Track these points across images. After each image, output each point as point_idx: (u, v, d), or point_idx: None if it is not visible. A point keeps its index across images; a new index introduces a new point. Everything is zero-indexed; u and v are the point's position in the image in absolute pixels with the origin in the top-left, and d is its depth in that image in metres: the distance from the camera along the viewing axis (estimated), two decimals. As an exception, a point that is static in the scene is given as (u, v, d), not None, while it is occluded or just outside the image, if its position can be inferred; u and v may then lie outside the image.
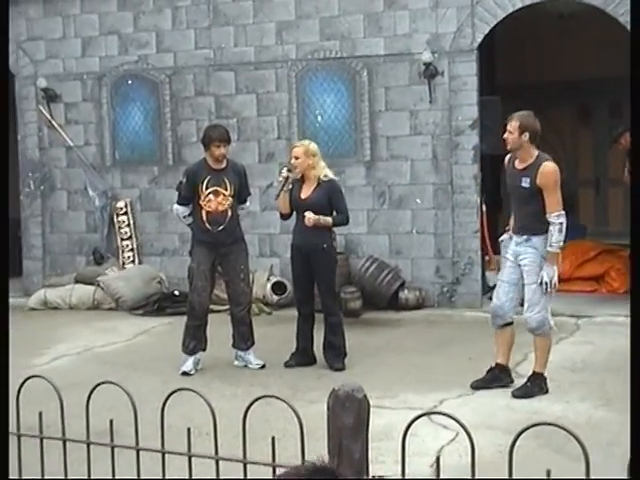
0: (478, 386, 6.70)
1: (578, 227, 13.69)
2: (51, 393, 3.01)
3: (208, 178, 7.49)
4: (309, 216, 7.29)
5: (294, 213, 7.57)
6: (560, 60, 13.11)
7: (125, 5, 11.24)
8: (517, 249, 6.59)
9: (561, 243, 6.44)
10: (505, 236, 6.84)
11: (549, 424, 2.47)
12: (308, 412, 5.31)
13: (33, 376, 3.09)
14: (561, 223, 6.37)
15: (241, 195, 7.73)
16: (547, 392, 6.58)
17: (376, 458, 4.78)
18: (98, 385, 2.90)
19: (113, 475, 2.98)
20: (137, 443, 2.88)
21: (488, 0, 9.75)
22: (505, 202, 13.09)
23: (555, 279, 6.43)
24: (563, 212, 6.42)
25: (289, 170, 7.40)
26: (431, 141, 10.10)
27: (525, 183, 6.50)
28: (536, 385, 6.59)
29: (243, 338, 7.73)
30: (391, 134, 10.27)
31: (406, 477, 2.59)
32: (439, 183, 10.11)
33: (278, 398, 2.67)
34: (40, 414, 3.05)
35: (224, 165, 7.57)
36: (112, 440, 2.92)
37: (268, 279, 10.39)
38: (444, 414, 2.66)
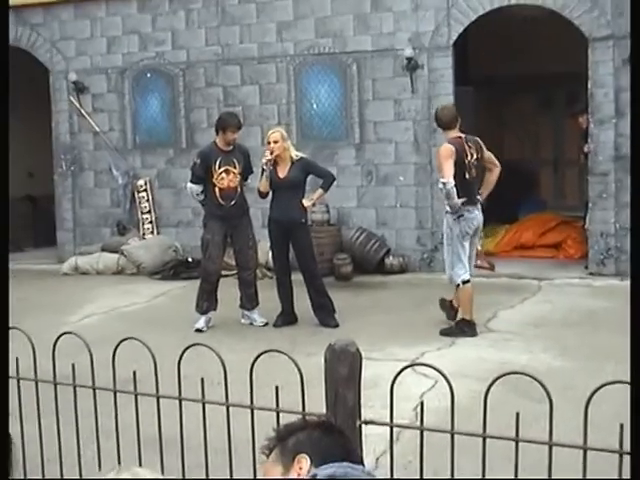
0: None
1: (539, 201, 13.69)
2: (82, 347, 2.98)
3: (220, 159, 7.42)
4: (308, 204, 7.37)
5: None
6: (524, 56, 13.01)
7: (144, 8, 11.12)
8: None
9: (447, 202, 6.84)
10: None
11: (519, 373, 2.45)
12: (306, 363, 5.27)
13: (67, 332, 3.06)
14: (440, 188, 6.86)
15: (245, 173, 7.66)
16: (474, 335, 6.89)
17: (366, 403, 4.75)
18: (123, 340, 2.87)
19: (137, 419, 2.96)
20: (157, 391, 2.85)
21: (462, 3, 9.66)
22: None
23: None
24: (443, 179, 6.75)
25: (271, 153, 7.35)
26: (413, 126, 10.03)
27: None
28: (458, 328, 6.96)
29: (249, 299, 7.70)
30: (378, 120, 10.19)
31: (394, 420, 2.56)
32: (420, 163, 10.05)
33: (281, 352, 2.64)
34: (73, 365, 3.02)
35: (232, 147, 7.51)
36: (135, 389, 2.89)
37: (270, 247, 10.33)
38: (428, 365, 2.64)
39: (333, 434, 1.96)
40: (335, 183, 7.77)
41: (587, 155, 9.60)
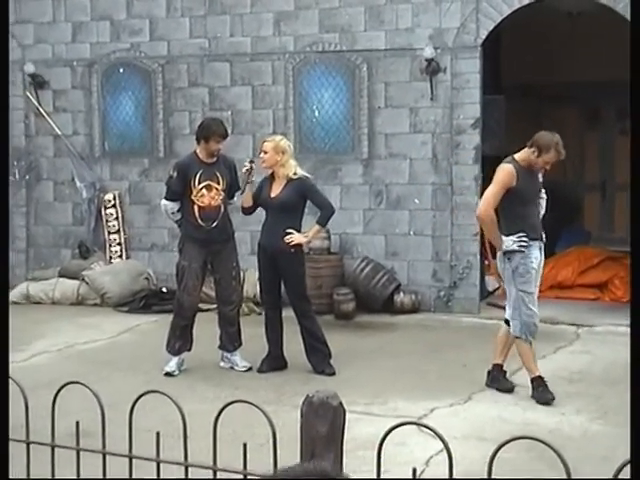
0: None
1: (582, 232, 13.70)
2: (25, 392, 2.98)
3: (200, 172, 7.46)
4: (302, 240, 7.38)
5: (257, 208, 7.67)
6: (567, 60, 13.08)
7: (118, -10, 11.22)
8: (542, 254, 6.85)
9: None
10: (520, 244, 6.68)
11: (533, 438, 2.44)
12: (292, 417, 5.30)
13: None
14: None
15: (231, 190, 7.69)
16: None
17: (359, 467, 4.76)
18: (65, 385, 2.87)
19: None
20: (104, 446, 2.85)
21: (494, -5, 9.74)
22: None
23: None
24: None
25: (251, 161, 7.43)
26: (431, 140, 10.08)
27: (541, 179, 6.86)
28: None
29: (230, 339, 7.70)
30: (390, 131, 10.24)
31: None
32: (438, 183, 10.08)
33: (251, 403, 2.64)
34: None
35: (215, 159, 7.55)
36: (78, 443, 2.89)
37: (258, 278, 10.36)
38: (426, 426, 2.63)
39: None
40: (338, 205, 7.81)
41: None
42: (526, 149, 6.68)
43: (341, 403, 2.49)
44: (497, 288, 10.83)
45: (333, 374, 7.38)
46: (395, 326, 9.53)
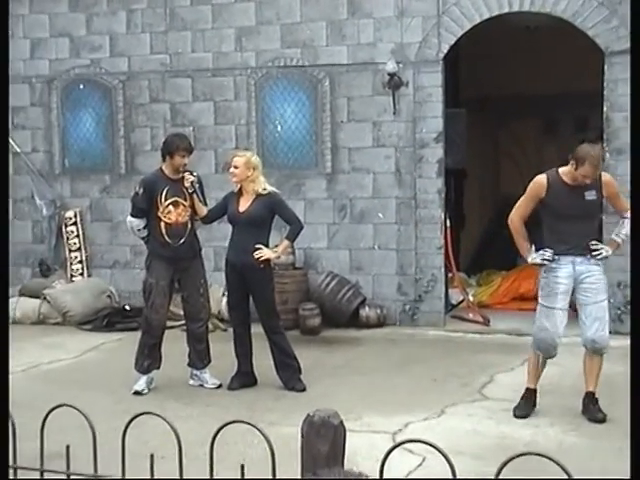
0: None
1: (543, 244, 13.78)
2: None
3: (167, 188, 7.39)
4: (271, 256, 7.34)
5: (215, 220, 7.79)
6: (526, 73, 13.21)
7: (77, 6, 11.12)
8: (580, 269, 6.46)
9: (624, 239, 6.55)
10: (543, 258, 6.46)
11: (539, 455, 2.43)
12: (267, 434, 5.26)
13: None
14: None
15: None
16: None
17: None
18: (55, 408, 2.79)
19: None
20: (95, 470, 2.78)
21: (454, 10, 9.80)
22: (469, 217, 13.15)
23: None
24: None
25: (191, 173, 7.43)
26: (394, 153, 10.11)
27: (591, 196, 6.45)
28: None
29: (200, 356, 7.63)
30: (353, 146, 10.26)
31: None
32: (402, 197, 10.11)
33: (249, 424, 2.60)
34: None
35: (181, 175, 7.48)
36: (68, 467, 2.82)
37: (224, 294, 10.29)
38: (421, 441, 2.60)
39: None
40: (302, 220, 7.79)
41: (601, 191, 9.71)
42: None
43: (342, 422, 2.45)
44: (461, 301, 10.88)
45: (304, 390, 7.33)
46: (361, 340, 9.52)
